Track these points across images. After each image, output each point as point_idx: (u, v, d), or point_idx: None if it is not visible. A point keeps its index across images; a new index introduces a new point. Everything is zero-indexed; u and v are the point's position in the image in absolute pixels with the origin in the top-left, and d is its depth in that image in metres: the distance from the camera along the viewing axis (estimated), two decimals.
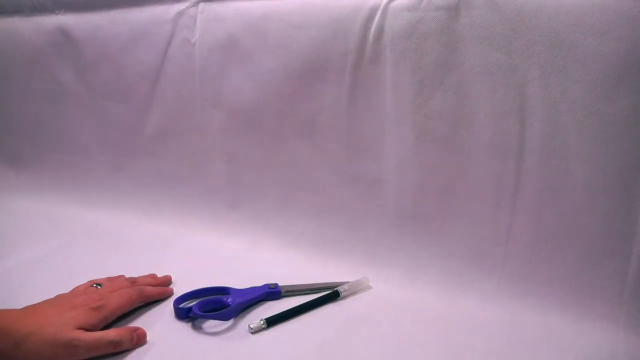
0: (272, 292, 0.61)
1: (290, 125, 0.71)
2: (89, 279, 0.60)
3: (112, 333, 0.51)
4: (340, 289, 0.61)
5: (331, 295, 0.60)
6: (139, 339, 0.52)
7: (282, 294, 0.61)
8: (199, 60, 0.75)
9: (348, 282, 0.62)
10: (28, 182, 0.97)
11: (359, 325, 0.56)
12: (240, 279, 0.62)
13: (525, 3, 0.54)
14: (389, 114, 0.64)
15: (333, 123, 0.68)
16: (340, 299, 0.61)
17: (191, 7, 0.74)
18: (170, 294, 0.62)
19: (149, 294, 0.59)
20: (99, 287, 0.58)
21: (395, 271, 0.65)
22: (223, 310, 0.56)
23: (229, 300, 0.58)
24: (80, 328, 0.49)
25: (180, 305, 0.58)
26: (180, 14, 0.75)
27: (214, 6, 0.73)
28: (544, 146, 0.56)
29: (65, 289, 0.58)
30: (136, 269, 0.65)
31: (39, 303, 0.53)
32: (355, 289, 0.62)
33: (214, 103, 0.76)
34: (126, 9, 0.80)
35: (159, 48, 0.78)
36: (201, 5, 0.74)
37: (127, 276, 0.63)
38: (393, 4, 0.61)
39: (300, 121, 0.70)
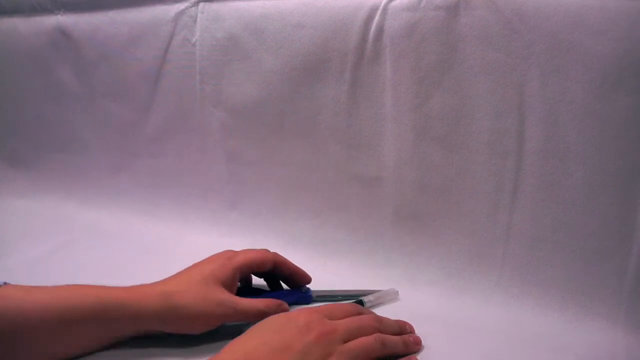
0: (302, 296, 0.59)
1: (290, 125, 0.71)
2: (89, 279, 0.60)
3: (261, 303, 0.52)
4: (365, 299, 0.58)
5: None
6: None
7: (313, 299, 0.60)
8: (199, 60, 0.75)
9: (379, 290, 0.59)
10: (28, 182, 0.97)
11: None
12: None
13: (524, 3, 0.54)
14: (389, 113, 0.64)
15: (333, 122, 0.68)
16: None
17: (191, 7, 0.74)
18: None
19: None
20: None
21: (395, 271, 0.65)
22: None
23: None
24: None
25: None
26: (180, 13, 0.75)
27: (214, 6, 0.73)
28: (543, 146, 0.56)
29: None
30: (136, 269, 0.64)
31: None
32: (381, 301, 0.59)
33: (214, 103, 0.76)
34: (126, 9, 0.80)
35: (159, 48, 0.78)
36: (201, 5, 0.74)
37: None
38: (393, 3, 0.61)
39: (300, 121, 0.70)
